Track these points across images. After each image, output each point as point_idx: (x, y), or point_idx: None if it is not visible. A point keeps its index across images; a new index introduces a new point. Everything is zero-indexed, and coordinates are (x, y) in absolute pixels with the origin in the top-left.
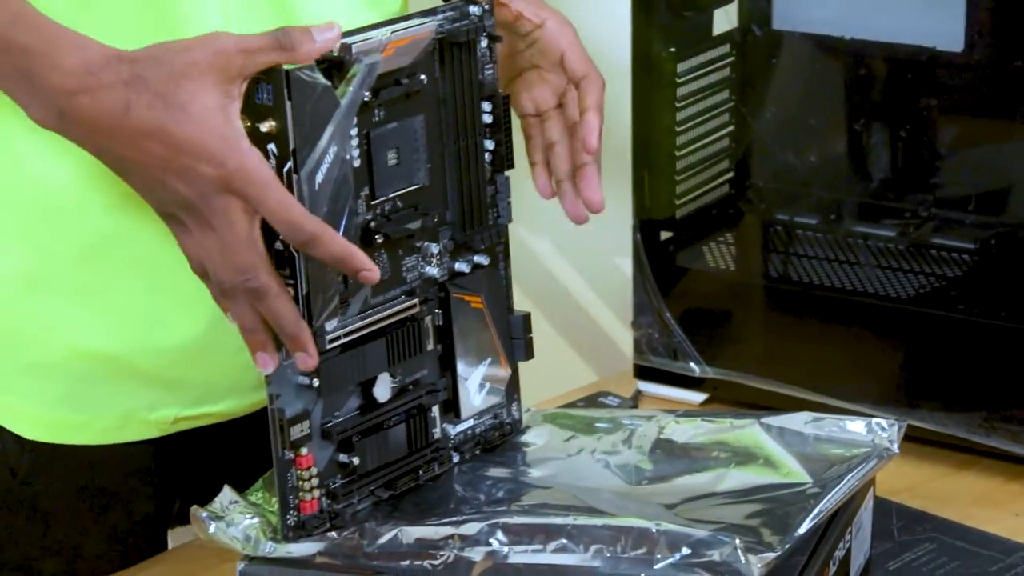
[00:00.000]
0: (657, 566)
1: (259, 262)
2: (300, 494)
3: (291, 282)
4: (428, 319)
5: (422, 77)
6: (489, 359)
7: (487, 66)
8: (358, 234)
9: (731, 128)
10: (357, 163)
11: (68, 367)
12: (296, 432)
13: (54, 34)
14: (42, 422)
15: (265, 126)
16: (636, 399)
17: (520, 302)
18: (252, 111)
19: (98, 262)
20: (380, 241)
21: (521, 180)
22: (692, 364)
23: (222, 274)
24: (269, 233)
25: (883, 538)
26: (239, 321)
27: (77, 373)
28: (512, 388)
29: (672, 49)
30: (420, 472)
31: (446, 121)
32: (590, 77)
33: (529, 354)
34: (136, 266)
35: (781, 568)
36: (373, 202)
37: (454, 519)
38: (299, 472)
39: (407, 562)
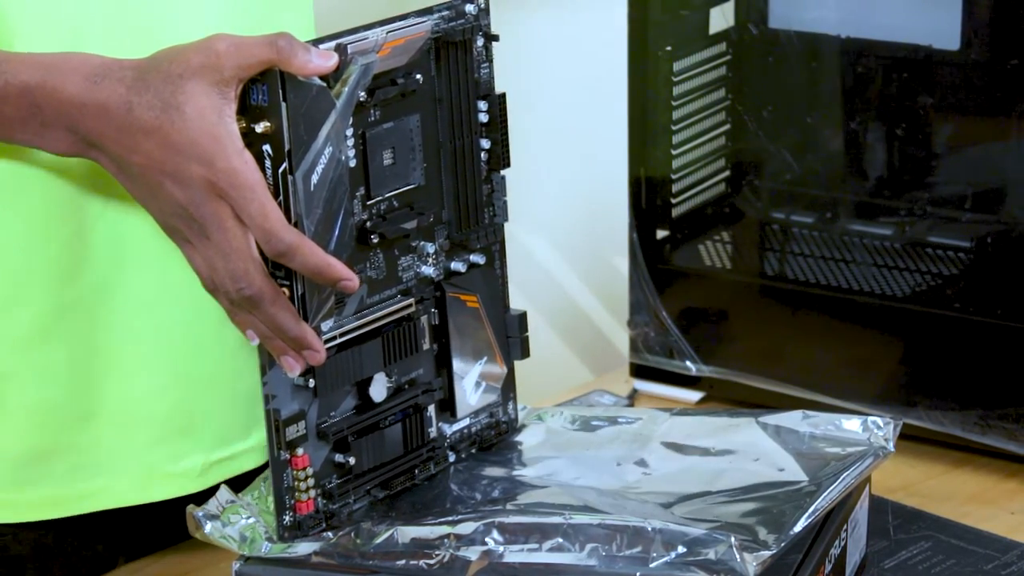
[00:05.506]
0: (653, 564)
1: (253, 269)
2: (296, 494)
3: (287, 283)
4: (424, 318)
5: (418, 76)
6: (485, 358)
7: (483, 65)
8: (354, 234)
9: (727, 127)
10: (353, 163)
11: (68, 441)
12: (292, 432)
13: (49, 62)
14: (48, 501)
15: (261, 127)
16: (632, 398)
17: (516, 301)
18: (248, 112)
19: (43, 345)
20: (376, 241)
21: (520, 180)
22: (688, 363)
23: (227, 284)
24: None
25: (879, 536)
26: (254, 331)
27: (83, 442)
28: (508, 387)
29: (668, 48)
30: (416, 472)
31: (442, 120)
32: None
33: (525, 353)
34: (93, 330)
35: (777, 566)
36: (369, 202)
37: (450, 518)
38: (295, 472)
39: (403, 562)
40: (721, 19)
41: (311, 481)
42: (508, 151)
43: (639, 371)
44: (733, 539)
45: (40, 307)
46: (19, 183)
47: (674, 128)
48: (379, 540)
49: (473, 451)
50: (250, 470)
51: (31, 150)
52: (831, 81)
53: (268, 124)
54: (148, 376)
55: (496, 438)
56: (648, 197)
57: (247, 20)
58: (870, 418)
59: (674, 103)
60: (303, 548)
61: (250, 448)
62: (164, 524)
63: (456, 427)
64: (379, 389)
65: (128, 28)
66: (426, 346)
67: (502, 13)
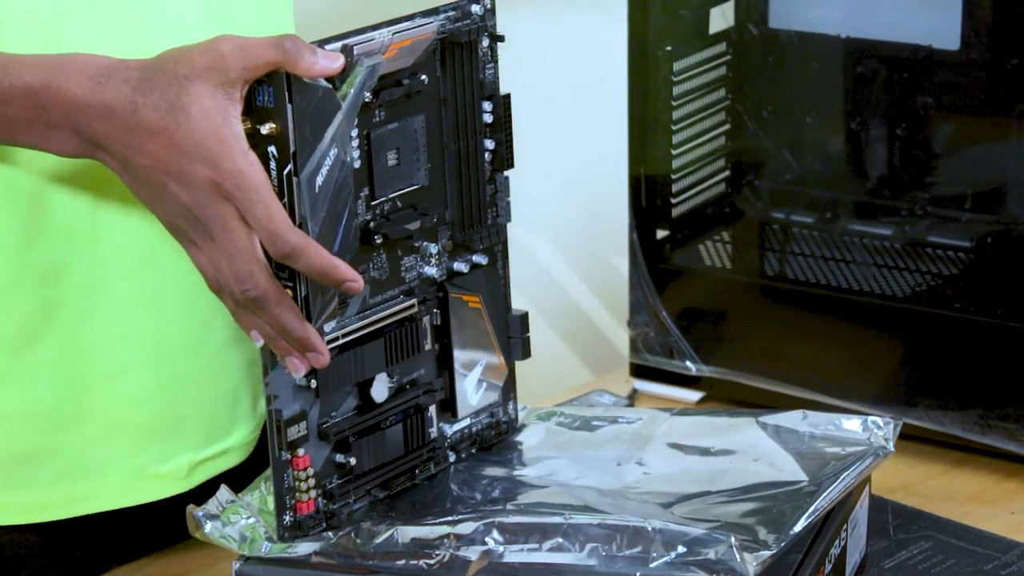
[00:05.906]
0: (653, 564)
1: (257, 270)
2: (296, 494)
3: (290, 284)
4: (426, 319)
5: (423, 77)
6: (486, 358)
7: (488, 66)
8: (357, 235)
9: (727, 127)
10: (357, 164)
11: (55, 444)
12: (293, 433)
13: (53, 63)
14: (36, 504)
15: (266, 128)
16: (632, 398)
17: (516, 301)
18: (254, 113)
19: (30, 348)
20: (379, 241)
21: (520, 180)
22: (688, 363)
23: (232, 285)
24: None
25: (879, 536)
26: (259, 332)
27: (71, 445)
28: (509, 387)
29: (668, 48)
30: (416, 472)
31: (446, 121)
32: None
33: (526, 353)
34: (80, 333)
35: (777, 566)
36: (373, 202)
37: (450, 518)
38: (296, 472)
39: (403, 562)
40: (721, 19)
41: (312, 481)
42: (512, 152)
43: (639, 371)
44: (733, 539)
45: (25, 311)
46: (2, 189)
47: (674, 128)
48: (379, 540)
49: (473, 451)
50: (232, 468)
51: (13, 155)
52: (831, 81)
53: (273, 125)
54: (135, 379)
55: (496, 438)
56: (648, 197)
57: (225, 18)
58: (870, 418)
59: (674, 103)
60: (303, 548)
61: (231, 447)
62: (156, 525)
63: (456, 427)
64: (380, 389)
65: (107, 26)
66: (428, 346)
67: (501, 13)
